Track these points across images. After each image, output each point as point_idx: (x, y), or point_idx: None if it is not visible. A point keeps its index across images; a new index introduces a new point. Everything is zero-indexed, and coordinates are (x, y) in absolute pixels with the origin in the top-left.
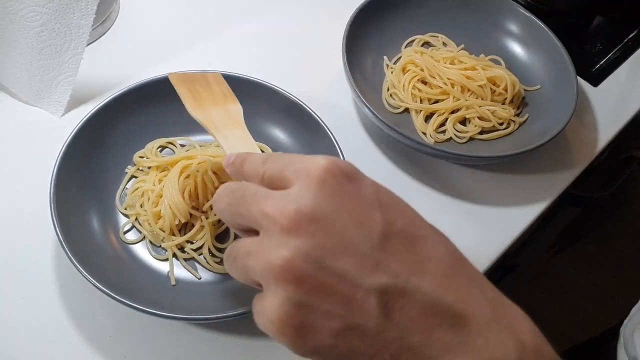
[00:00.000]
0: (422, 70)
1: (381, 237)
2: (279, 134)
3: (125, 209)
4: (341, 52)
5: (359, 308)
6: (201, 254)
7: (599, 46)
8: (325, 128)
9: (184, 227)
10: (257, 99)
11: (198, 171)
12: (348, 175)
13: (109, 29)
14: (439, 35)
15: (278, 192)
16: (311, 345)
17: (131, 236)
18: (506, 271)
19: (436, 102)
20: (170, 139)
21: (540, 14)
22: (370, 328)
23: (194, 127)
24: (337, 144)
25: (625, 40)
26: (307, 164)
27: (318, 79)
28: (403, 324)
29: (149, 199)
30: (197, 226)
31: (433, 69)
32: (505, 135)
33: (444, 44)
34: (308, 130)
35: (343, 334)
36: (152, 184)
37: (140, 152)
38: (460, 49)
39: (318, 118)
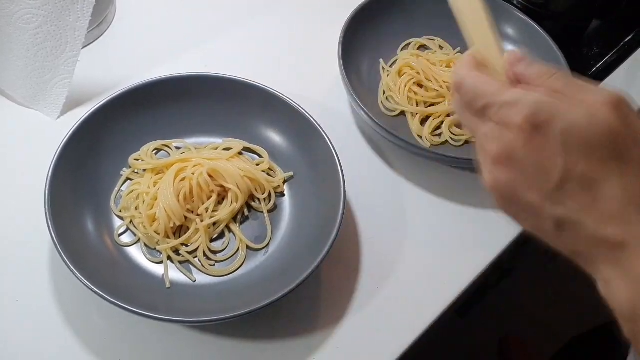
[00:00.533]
0: (418, 73)
1: (559, 182)
2: (275, 137)
3: (120, 211)
4: (337, 56)
5: (540, 225)
6: (196, 256)
7: (595, 49)
8: (321, 131)
9: (179, 230)
10: (253, 101)
11: (193, 174)
12: (539, 127)
13: (105, 31)
14: (435, 38)
15: (491, 127)
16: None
17: (126, 239)
18: (503, 274)
19: (432, 105)
20: (166, 142)
21: (537, 17)
22: (550, 233)
23: (190, 129)
24: (333, 147)
25: (622, 43)
26: (512, 112)
27: (315, 82)
28: (573, 240)
29: (144, 201)
30: (192, 229)
31: (429, 72)
32: None
33: (440, 47)
34: (304, 133)
35: (532, 230)
36: (147, 186)
37: (135, 155)
38: (457, 52)
39: (314, 121)
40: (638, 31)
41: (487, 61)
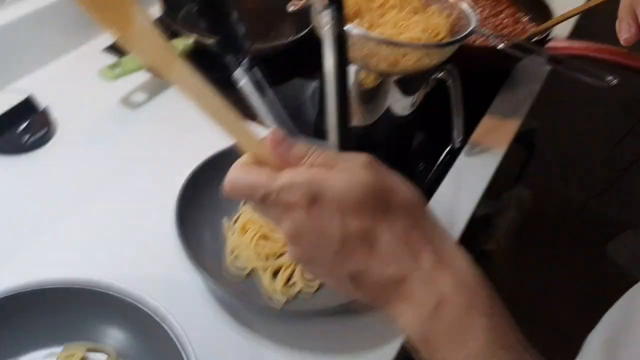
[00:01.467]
0: (261, 226)
1: (341, 241)
2: (119, 334)
3: None
4: (175, 227)
5: (341, 283)
6: None
7: None
8: (161, 323)
9: None
10: (87, 302)
11: None
12: (314, 200)
13: None
14: None
15: (278, 212)
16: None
17: None
18: None
19: (282, 254)
20: None
21: None
22: (350, 288)
23: (24, 346)
24: (176, 337)
25: None
26: (289, 195)
27: (157, 258)
28: (368, 288)
29: None
30: None
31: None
32: None
33: None
34: (145, 325)
35: (339, 289)
36: None
37: None
38: None
39: (151, 313)
40: None
41: (258, 156)
